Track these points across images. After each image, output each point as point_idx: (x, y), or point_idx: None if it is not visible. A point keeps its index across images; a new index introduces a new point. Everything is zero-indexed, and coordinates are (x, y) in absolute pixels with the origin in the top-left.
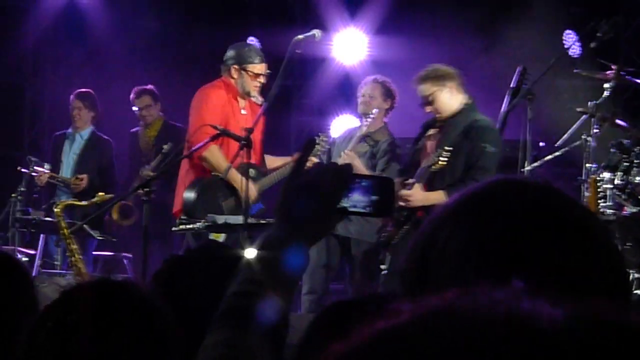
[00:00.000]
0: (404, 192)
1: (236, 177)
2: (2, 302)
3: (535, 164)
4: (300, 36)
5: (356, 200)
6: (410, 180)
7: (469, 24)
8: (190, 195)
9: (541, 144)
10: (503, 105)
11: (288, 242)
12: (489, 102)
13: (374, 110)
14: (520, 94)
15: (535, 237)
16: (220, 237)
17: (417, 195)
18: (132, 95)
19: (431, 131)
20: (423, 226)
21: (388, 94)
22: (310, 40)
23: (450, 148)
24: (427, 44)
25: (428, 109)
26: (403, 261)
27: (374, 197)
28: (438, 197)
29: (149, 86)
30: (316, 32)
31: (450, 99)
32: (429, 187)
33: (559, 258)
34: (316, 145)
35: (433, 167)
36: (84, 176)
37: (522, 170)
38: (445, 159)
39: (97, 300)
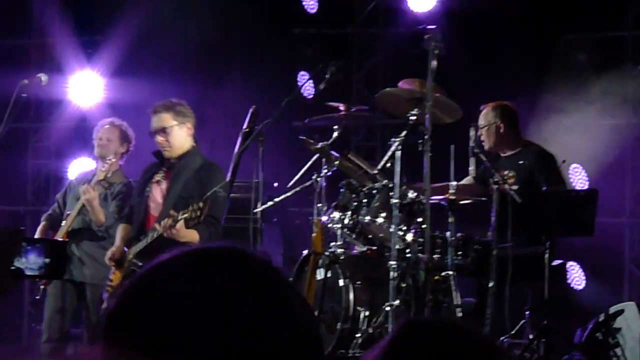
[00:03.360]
0: (175, 225)
1: None
2: None
3: (269, 204)
4: (26, 80)
5: (32, 262)
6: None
7: (201, 64)
8: None
9: (275, 184)
10: (236, 147)
11: None
12: (221, 142)
13: (110, 157)
14: (253, 135)
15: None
16: None
17: (182, 231)
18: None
19: (157, 176)
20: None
21: (125, 138)
22: (37, 84)
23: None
24: (162, 84)
25: (160, 139)
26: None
27: (46, 260)
28: (193, 236)
29: None
30: (42, 75)
31: (186, 138)
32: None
33: None
34: None
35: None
36: None
37: (254, 211)
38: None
39: None
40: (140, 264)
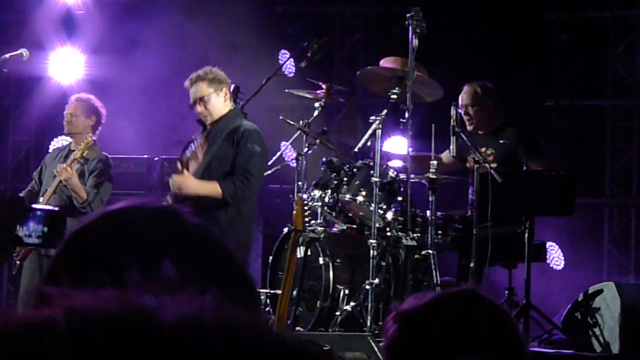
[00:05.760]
0: (177, 177)
1: None
2: None
3: None
4: (7, 55)
5: (31, 229)
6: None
7: (183, 41)
8: None
9: None
10: None
11: None
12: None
13: (86, 135)
14: None
15: None
16: None
17: (191, 182)
18: None
19: (198, 140)
20: None
21: (90, 110)
22: (19, 59)
23: None
24: (142, 61)
25: (199, 109)
26: None
27: (45, 229)
28: (212, 187)
29: None
30: (24, 51)
31: (223, 104)
32: None
33: None
34: None
35: None
36: None
37: None
38: None
39: None
40: None
